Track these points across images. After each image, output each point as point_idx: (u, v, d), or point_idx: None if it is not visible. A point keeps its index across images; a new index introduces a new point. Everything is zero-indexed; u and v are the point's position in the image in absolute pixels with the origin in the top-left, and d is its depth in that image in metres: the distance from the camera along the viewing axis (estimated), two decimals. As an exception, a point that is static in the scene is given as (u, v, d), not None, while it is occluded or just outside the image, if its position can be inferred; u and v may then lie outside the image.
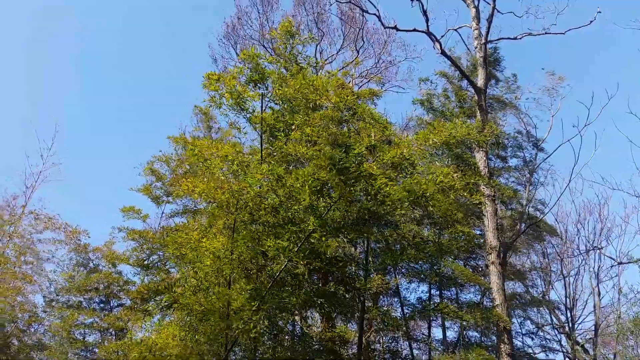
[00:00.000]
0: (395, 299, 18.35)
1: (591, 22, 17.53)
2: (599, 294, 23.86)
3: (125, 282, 21.53)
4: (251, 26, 23.69)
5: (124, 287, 21.62)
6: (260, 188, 9.94)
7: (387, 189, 10.12)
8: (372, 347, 16.31)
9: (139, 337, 13.69)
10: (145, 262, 18.99)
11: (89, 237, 22.42)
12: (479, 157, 16.99)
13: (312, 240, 10.16)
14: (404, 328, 16.49)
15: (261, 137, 12.20)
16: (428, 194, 10.60)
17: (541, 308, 23.30)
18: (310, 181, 9.70)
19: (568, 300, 24.03)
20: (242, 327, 9.84)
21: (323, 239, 10.20)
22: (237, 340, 11.16)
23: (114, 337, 20.62)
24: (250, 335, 9.97)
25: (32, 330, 21.96)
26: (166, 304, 12.88)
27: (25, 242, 19.90)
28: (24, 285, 19.86)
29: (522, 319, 22.78)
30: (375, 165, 10.21)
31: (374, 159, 10.55)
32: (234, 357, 12.70)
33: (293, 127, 11.85)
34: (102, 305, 22.52)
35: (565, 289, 24.25)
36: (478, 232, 18.06)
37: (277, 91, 11.95)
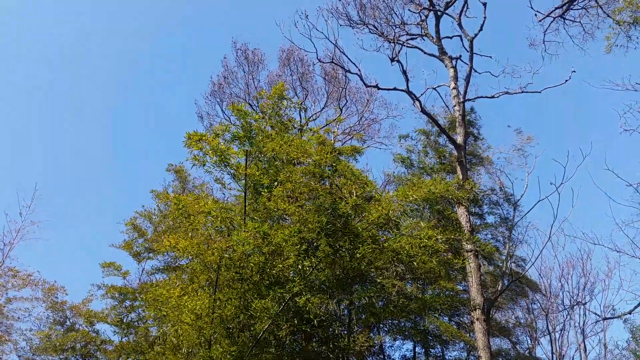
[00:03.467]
0: (380, 358, 18.06)
1: (566, 81, 18.23)
2: (585, 349, 23.78)
3: (102, 342, 20.89)
4: (237, 84, 24.26)
5: (101, 346, 20.97)
6: (245, 246, 9.94)
7: (374, 254, 10.20)
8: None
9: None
10: (124, 320, 18.58)
11: (66, 294, 21.95)
12: (461, 213, 17.20)
13: (296, 300, 10.09)
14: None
15: (245, 193, 12.28)
16: (412, 254, 10.66)
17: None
18: (295, 240, 9.74)
19: (554, 356, 23.86)
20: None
21: (307, 299, 10.14)
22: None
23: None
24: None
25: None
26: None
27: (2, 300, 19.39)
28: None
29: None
30: (361, 226, 10.32)
31: (360, 219, 10.65)
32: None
33: (276, 183, 12.00)
34: (78, 366, 21.77)
35: (552, 344, 24.13)
36: (461, 287, 18.06)
37: (262, 148, 12.16)
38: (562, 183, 15.63)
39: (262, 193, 12.03)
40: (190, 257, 14.48)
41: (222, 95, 24.27)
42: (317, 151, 12.18)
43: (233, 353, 9.48)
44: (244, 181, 12.02)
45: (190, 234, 10.96)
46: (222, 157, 11.48)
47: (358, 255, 10.20)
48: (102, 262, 18.93)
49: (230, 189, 14.68)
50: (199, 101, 24.83)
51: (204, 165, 11.57)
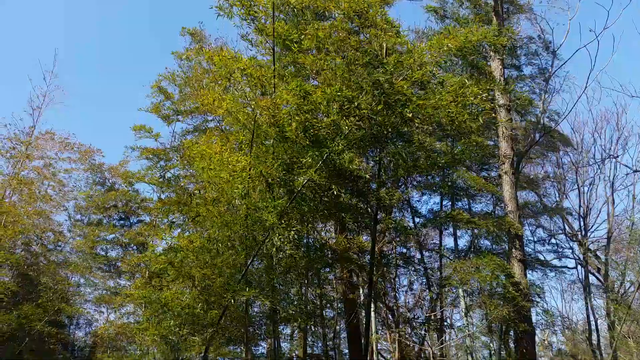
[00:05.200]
0: (407, 212, 18.70)
1: None
2: (613, 202, 24.13)
3: (142, 200, 22.04)
4: None
5: (142, 204, 22.16)
6: (288, 106, 9.82)
7: (413, 110, 9.98)
8: (385, 255, 16.82)
9: (160, 249, 14.15)
10: (160, 180, 19.33)
11: (103, 156, 22.73)
12: (495, 66, 16.61)
13: (334, 157, 10.19)
14: (416, 237, 16.94)
15: (273, 49, 11.89)
16: (454, 112, 10.42)
17: (554, 217, 23.62)
18: (335, 98, 9.54)
19: (582, 208, 24.30)
20: (265, 238, 10.12)
21: (350, 158, 10.23)
22: (259, 251, 11.51)
23: (135, 252, 21.40)
24: (274, 245, 10.26)
25: (58, 248, 22.77)
26: (186, 217, 13.19)
27: (42, 163, 20.17)
28: (46, 206, 20.34)
29: (535, 227, 23.24)
30: (405, 84, 9.99)
31: (399, 75, 10.29)
32: (252, 267, 13.16)
33: (303, 36, 11.50)
34: (121, 222, 23.23)
35: (580, 197, 24.46)
36: (492, 143, 18.02)
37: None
38: (604, 28, 14.71)
39: (292, 48, 11.62)
40: (222, 117, 14.59)
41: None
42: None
43: (272, 204, 9.83)
44: (272, 36, 11.56)
45: (223, 93, 10.84)
46: (250, 7, 10.91)
47: (397, 112, 10.03)
48: (133, 125, 19.22)
49: (257, 46, 14.26)
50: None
51: (230, 17, 11.05)
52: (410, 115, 10.10)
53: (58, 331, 18.71)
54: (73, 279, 22.54)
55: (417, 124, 10.94)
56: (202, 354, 11.22)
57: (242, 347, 15.29)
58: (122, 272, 22.11)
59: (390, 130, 11.12)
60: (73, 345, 23.49)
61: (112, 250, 23.51)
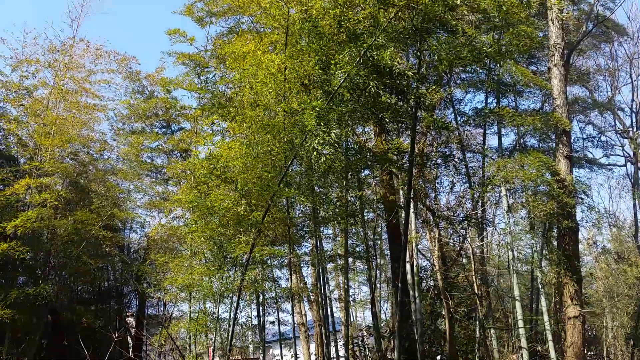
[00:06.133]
0: (450, 112, 18.09)
1: None
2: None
3: (182, 107, 22.17)
4: None
5: (181, 111, 22.32)
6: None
7: None
8: (425, 155, 16.54)
9: (203, 155, 14.34)
10: (198, 86, 19.24)
11: (138, 63, 22.72)
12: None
13: (372, 53, 9.72)
14: (458, 136, 16.47)
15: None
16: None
17: (605, 113, 22.55)
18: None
19: (635, 103, 23.07)
20: (304, 141, 10.03)
21: (383, 51, 9.72)
22: (298, 154, 11.49)
23: (179, 159, 21.89)
24: (315, 149, 10.18)
25: (104, 157, 23.50)
26: (225, 123, 13.21)
27: (82, 74, 20.30)
28: (88, 116, 20.74)
29: (584, 124, 22.33)
30: None
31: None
32: (292, 169, 13.24)
33: None
34: (163, 130, 23.61)
35: (633, 92, 23.14)
36: (541, 35, 16.88)
37: None
38: None
39: None
40: (255, 18, 14.07)
41: None
42: None
43: (310, 105, 9.62)
44: None
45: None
46: None
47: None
48: (168, 29, 18.88)
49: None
50: None
51: None
52: (458, 1, 9.41)
53: (113, 235, 19.74)
54: (123, 185, 23.44)
55: (462, 13, 10.22)
56: (248, 253, 11.65)
57: (286, 247, 15.84)
58: (169, 178, 22.79)
59: (432, 21, 10.45)
60: (128, 248, 24.87)
61: (157, 158, 24.13)
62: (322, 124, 9.90)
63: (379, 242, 21.27)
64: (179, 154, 22.43)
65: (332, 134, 10.18)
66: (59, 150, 18.74)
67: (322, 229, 18.07)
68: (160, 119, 22.98)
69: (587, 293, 21.06)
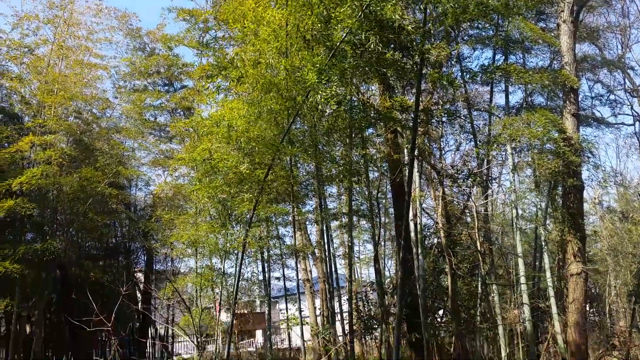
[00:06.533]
0: (457, 70, 17.74)
1: None
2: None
3: (184, 65, 21.88)
4: None
5: (184, 69, 22.06)
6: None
7: None
8: (430, 112, 16.29)
9: (206, 114, 14.24)
10: (199, 43, 18.94)
11: (139, 20, 22.28)
12: None
13: (374, 7, 9.44)
14: (464, 93, 16.20)
15: None
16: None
17: (614, 71, 22.04)
18: None
19: (646, 66, 22.50)
20: (307, 99, 9.91)
21: (386, 4, 9.43)
22: (300, 112, 11.38)
23: (182, 117, 21.77)
24: (318, 104, 10.07)
25: (107, 115, 23.39)
26: (227, 82, 13.02)
27: (82, 30, 20.00)
28: (90, 73, 20.54)
29: (593, 82, 21.88)
30: None
31: None
32: (294, 127, 13.13)
33: None
34: (166, 87, 23.39)
35: (643, 50, 22.55)
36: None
37: None
38: None
39: None
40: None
41: None
42: None
43: (312, 61, 9.45)
44: None
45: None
46: None
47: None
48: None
49: None
50: None
51: None
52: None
53: (119, 192, 19.87)
54: (127, 143, 23.44)
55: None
56: (252, 211, 11.72)
57: (290, 205, 15.92)
58: (173, 136, 22.74)
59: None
60: (135, 205, 25.08)
61: (160, 116, 24.02)
62: (324, 80, 9.77)
63: (384, 200, 21.31)
64: (182, 112, 22.30)
65: (333, 87, 10.05)
66: (62, 108, 18.67)
67: (326, 188, 18.11)
68: (162, 77, 22.74)
69: (591, 251, 21.17)
